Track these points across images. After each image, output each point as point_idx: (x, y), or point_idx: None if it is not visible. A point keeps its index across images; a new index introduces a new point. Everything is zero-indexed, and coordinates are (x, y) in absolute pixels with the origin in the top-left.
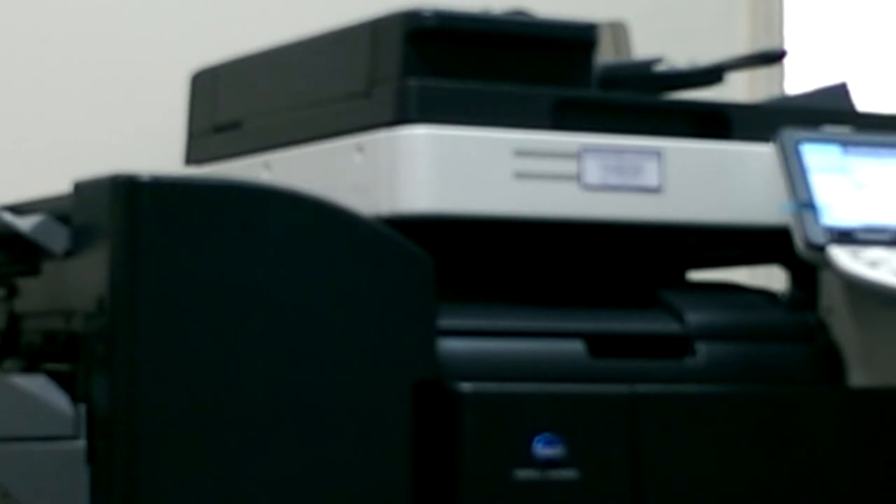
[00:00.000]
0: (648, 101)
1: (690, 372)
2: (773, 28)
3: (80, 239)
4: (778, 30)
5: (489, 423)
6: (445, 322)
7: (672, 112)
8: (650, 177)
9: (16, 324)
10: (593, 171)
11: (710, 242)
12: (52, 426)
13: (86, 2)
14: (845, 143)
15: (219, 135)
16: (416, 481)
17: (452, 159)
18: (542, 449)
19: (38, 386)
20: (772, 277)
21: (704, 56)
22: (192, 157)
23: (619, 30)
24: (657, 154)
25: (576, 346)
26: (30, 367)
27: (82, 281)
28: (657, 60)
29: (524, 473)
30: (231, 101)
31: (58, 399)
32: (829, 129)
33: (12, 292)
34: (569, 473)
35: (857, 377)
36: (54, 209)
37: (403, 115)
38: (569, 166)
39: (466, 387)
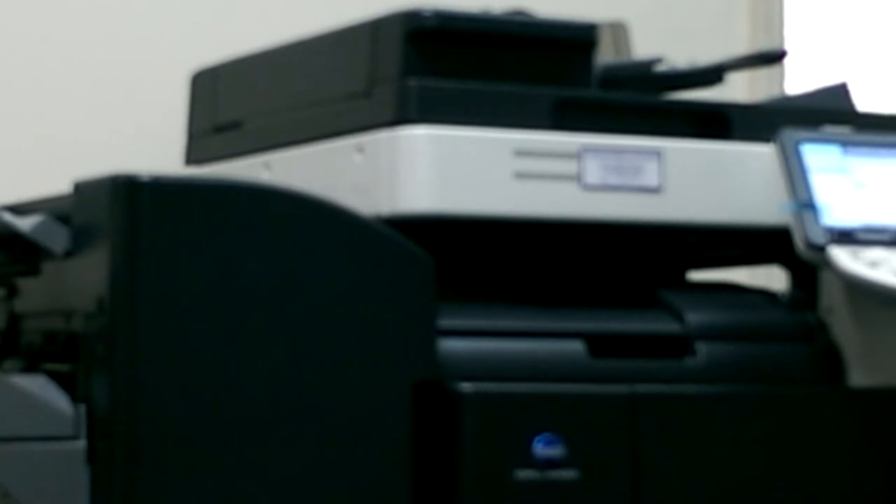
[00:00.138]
0: (648, 101)
1: (690, 372)
2: (773, 28)
3: (80, 239)
4: (778, 30)
5: (489, 423)
6: (445, 322)
7: (672, 112)
8: (650, 177)
9: (16, 324)
10: (593, 171)
11: (710, 242)
12: (52, 426)
13: (86, 2)
14: (845, 143)
15: (219, 135)
16: (416, 481)
17: (452, 159)
18: (542, 449)
19: (38, 386)
20: (772, 277)
21: (704, 56)
22: (192, 157)
23: (619, 30)
24: (657, 154)
25: (576, 346)
26: (30, 367)
27: (82, 281)
28: (657, 60)
29: (524, 473)
30: (231, 101)
31: (58, 399)
32: (829, 129)
33: (12, 292)
34: (569, 473)
35: (857, 377)
36: (54, 209)
37: (403, 115)
38: (569, 166)
39: (466, 387)
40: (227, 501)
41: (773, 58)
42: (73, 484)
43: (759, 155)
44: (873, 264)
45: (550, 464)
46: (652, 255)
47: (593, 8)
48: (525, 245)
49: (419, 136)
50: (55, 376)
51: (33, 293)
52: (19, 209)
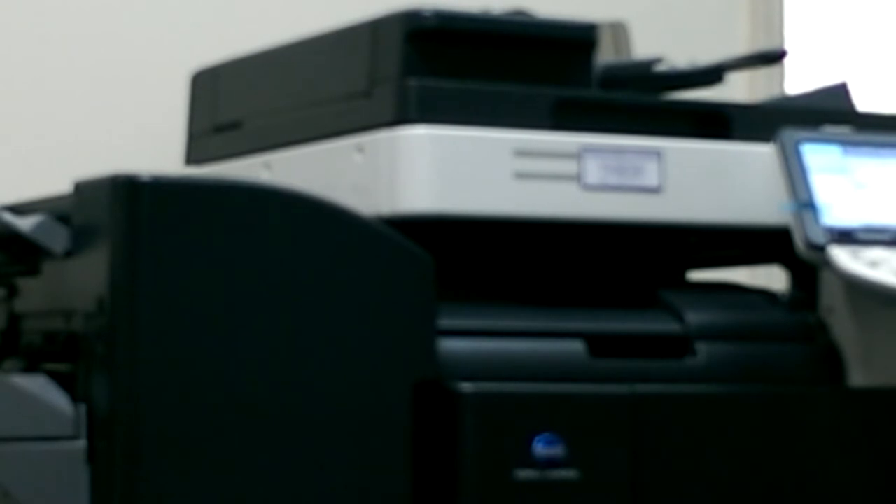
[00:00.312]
0: (648, 101)
1: (690, 372)
2: (773, 28)
3: (80, 239)
4: (778, 30)
5: (489, 423)
6: (445, 322)
7: (672, 112)
8: (650, 177)
9: (16, 324)
10: (593, 171)
11: (710, 242)
12: (52, 426)
13: (86, 2)
14: (845, 143)
15: (219, 135)
16: (416, 481)
17: (452, 159)
18: (542, 449)
19: (38, 386)
20: (772, 277)
21: (704, 56)
22: (192, 157)
23: (619, 30)
24: (657, 154)
25: (576, 346)
26: (30, 367)
27: (82, 281)
28: (657, 60)
29: (524, 473)
30: (231, 101)
31: (58, 399)
32: (829, 129)
33: (12, 292)
34: (569, 473)
35: (857, 377)
36: (54, 209)
37: (403, 115)
38: (569, 166)
39: (466, 387)
40: (227, 501)
41: (773, 58)
42: (73, 484)
43: (759, 155)
44: (873, 264)
45: (550, 464)
46: (652, 255)
47: (593, 8)
48: (525, 245)
49: (419, 136)
50: (55, 376)
51: (33, 293)
52: (19, 209)
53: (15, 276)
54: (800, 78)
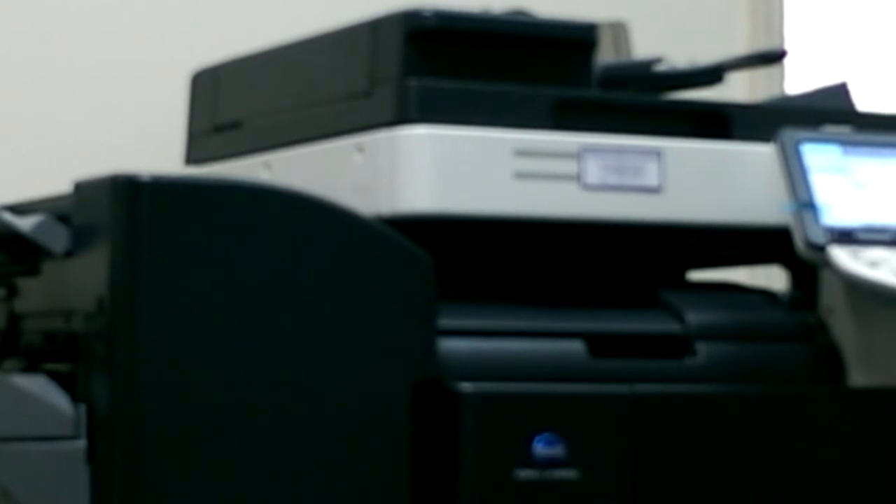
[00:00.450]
0: (648, 101)
1: (690, 372)
2: (773, 28)
3: (80, 239)
4: (778, 30)
5: (489, 423)
6: (445, 322)
7: (672, 112)
8: (650, 177)
9: (16, 324)
10: (593, 171)
11: (710, 242)
12: (52, 426)
13: (86, 2)
14: (845, 143)
15: (219, 135)
16: (416, 481)
17: (452, 159)
18: (542, 449)
19: (38, 386)
20: (772, 277)
21: (704, 56)
22: (192, 157)
23: (619, 30)
24: (657, 154)
25: (576, 346)
26: (30, 367)
27: (82, 281)
28: (657, 60)
29: (524, 473)
30: (231, 101)
31: (58, 399)
32: (829, 129)
33: (12, 292)
34: (569, 473)
35: (857, 377)
36: (54, 209)
37: (403, 115)
38: (569, 166)
39: (466, 387)
40: (226, 501)
41: (773, 58)
42: (73, 484)
43: (759, 155)
44: (873, 264)
45: (550, 464)
46: (652, 255)
47: (593, 8)
48: (525, 245)
49: (419, 136)
50: (55, 376)
51: (33, 293)
52: (19, 209)
53: (15, 276)
54: (800, 78)
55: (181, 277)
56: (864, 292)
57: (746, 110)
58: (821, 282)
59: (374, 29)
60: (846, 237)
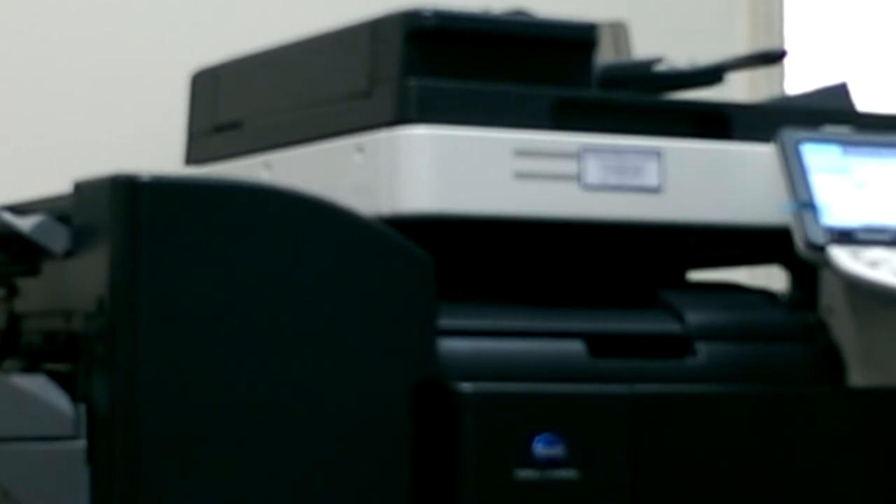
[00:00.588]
0: (648, 101)
1: (690, 372)
2: (773, 28)
3: (80, 239)
4: (778, 30)
5: (489, 423)
6: (445, 322)
7: (672, 112)
8: (650, 177)
9: (16, 324)
10: (593, 171)
11: (710, 242)
12: (52, 426)
13: (86, 2)
14: (845, 143)
15: (219, 135)
16: (416, 481)
17: (452, 159)
18: (542, 449)
19: (38, 386)
20: (772, 277)
21: (704, 56)
22: (192, 157)
23: (619, 30)
24: (657, 154)
25: (576, 346)
26: (30, 367)
27: (82, 281)
28: (657, 60)
29: (524, 473)
30: (231, 101)
31: (58, 399)
32: (829, 129)
33: (12, 292)
34: (569, 473)
35: (857, 377)
36: (54, 209)
37: (403, 115)
38: (569, 166)
39: (466, 387)
40: (226, 501)
41: (773, 58)
42: (73, 484)
43: (759, 155)
44: (873, 264)
45: (550, 464)
46: (652, 255)
47: (593, 8)
48: (525, 245)
49: (419, 136)
50: (55, 376)
51: (33, 293)
52: (19, 209)
53: (15, 276)
54: (800, 78)
55: (181, 277)
56: (864, 292)
57: (746, 110)
58: (821, 282)
59: (374, 29)
60: (846, 237)
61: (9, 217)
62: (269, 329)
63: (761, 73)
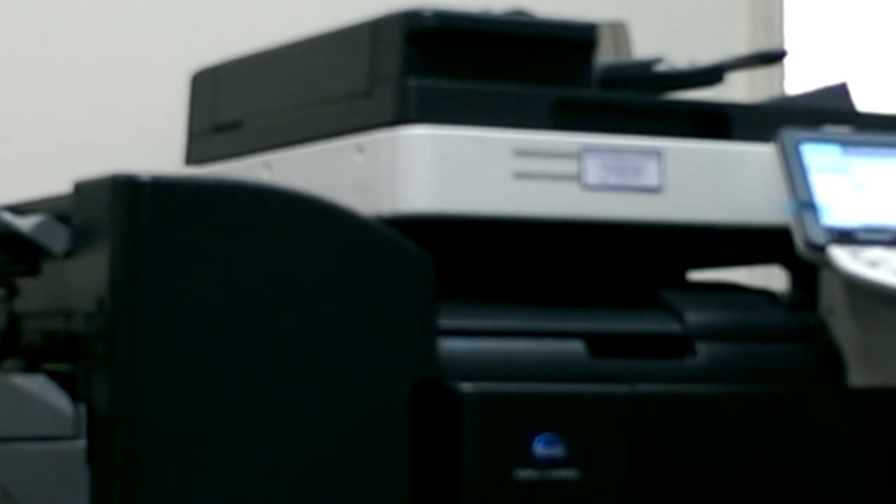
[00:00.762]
0: (648, 101)
1: (690, 372)
2: (773, 28)
3: (80, 239)
4: (778, 30)
5: (489, 423)
6: (445, 322)
7: (672, 112)
8: (650, 177)
9: (16, 324)
10: (593, 171)
11: (710, 242)
12: (52, 426)
13: (86, 2)
14: (845, 143)
15: (219, 135)
16: (416, 481)
17: (452, 159)
18: (542, 449)
19: (38, 386)
20: (772, 277)
21: (704, 56)
22: (192, 157)
23: (619, 30)
24: (657, 154)
25: (576, 346)
26: (30, 367)
27: (82, 281)
28: (657, 60)
29: (524, 473)
30: (231, 101)
31: (58, 399)
32: (829, 129)
33: (12, 292)
34: (569, 473)
35: (857, 377)
36: (54, 209)
37: (403, 115)
38: (569, 166)
39: (466, 387)
40: (226, 501)
41: (773, 58)
42: (73, 484)
43: (759, 155)
44: (873, 264)
45: (550, 464)
46: (652, 255)
47: (593, 8)
48: (525, 245)
49: (419, 136)
50: (55, 376)
51: (33, 293)
52: (19, 209)
53: (15, 276)
54: (800, 78)
55: (181, 277)
56: (864, 292)
57: (746, 110)
58: (821, 282)
59: (374, 29)
60: (846, 237)
61: (9, 217)
62: (269, 329)
63: (761, 73)
